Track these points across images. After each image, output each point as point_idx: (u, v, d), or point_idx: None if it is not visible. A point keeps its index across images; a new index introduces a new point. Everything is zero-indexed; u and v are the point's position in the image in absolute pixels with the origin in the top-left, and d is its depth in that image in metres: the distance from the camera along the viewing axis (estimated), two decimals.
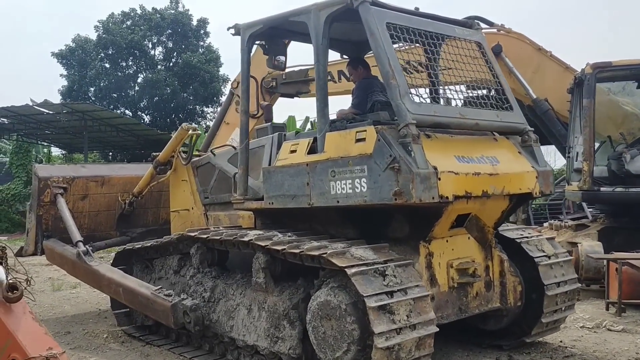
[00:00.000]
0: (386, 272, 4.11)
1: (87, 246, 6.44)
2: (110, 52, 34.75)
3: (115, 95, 35.41)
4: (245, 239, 4.88)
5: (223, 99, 39.35)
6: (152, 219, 8.09)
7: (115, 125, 22.60)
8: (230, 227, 5.77)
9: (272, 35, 5.80)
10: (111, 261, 6.77)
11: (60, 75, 35.72)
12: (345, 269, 3.99)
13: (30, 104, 20.03)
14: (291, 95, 10.27)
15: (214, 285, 5.40)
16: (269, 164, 5.75)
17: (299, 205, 4.93)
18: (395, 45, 7.20)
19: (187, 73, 34.55)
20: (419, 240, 4.61)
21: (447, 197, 4.24)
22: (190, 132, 6.78)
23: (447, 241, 4.80)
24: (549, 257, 5.30)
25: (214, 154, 6.68)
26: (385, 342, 3.84)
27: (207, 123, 36.71)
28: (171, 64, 36.56)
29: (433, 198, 4.15)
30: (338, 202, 4.59)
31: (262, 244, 4.70)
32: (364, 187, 4.39)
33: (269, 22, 5.51)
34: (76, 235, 6.51)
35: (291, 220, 5.42)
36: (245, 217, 6.13)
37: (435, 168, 4.21)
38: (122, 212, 7.66)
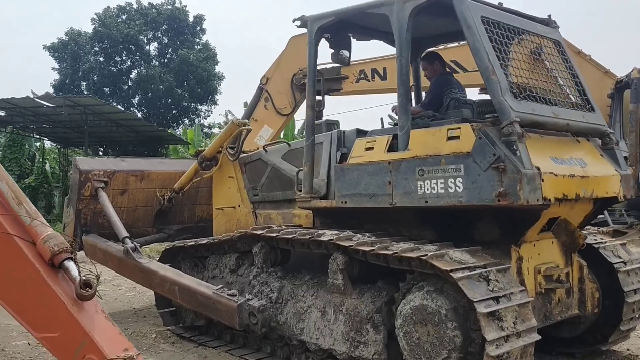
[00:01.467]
0: (489, 277, 3.94)
1: (135, 243, 6.17)
2: (105, 46, 34.20)
3: (108, 90, 34.87)
4: (324, 238, 4.67)
5: (219, 97, 39.34)
6: (188, 216, 7.84)
7: (115, 121, 22.15)
8: (292, 226, 5.56)
9: (339, 29, 5.62)
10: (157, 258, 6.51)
11: (53, 68, 35.11)
12: (451, 273, 3.81)
13: (31, 96, 19.53)
14: (319, 93, 10.07)
15: (280, 286, 5.18)
16: (329, 162, 5.60)
17: (377, 205, 4.74)
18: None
19: (183, 70, 34.13)
20: (510, 244, 4.45)
21: (549, 200, 4.09)
22: (240, 127, 6.54)
23: (534, 245, 4.64)
24: (626, 264, 5.17)
25: (266, 150, 6.46)
26: (496, 350, 3.66)
27: (202, 121, 36.38)
28: (166, 60, 36.13)
29: (537, 200, 3.99)
30: (426, 202, 4.41)
31: (345, 244, 4.51)
32: (459, 187, 4.22)
33: (341, 14, 5.33)
34: (122, 231, 6.23)
35: (359, 220, 5.23)
36: (302, 216, 5.94)
37: (538, 169, 4.05)
38: (160, 208, 7.39)
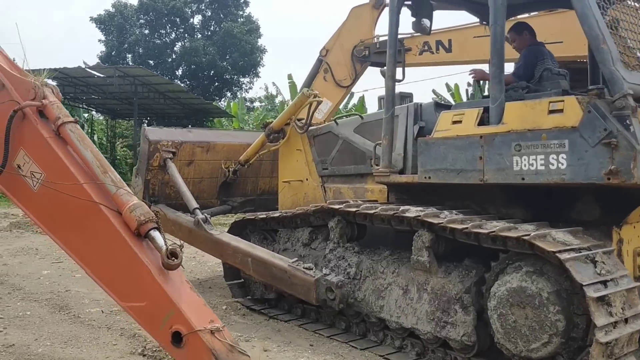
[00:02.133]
0: (596, 259, 3.72)
1: (205, 214, 6.12)
2: (150, 18, 34.34)
3: (152, 62, 35.08)
4: (409, 214, 4.51)
5: (261, 69, 39.16)
6: (251, 189, 7.77)
7: (163, 92, 22.28)
8: (369, 201, 5.41)
9: None
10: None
11: (99, 40, 35.46)
12: (557, 254, 3.60)
13: (83, 66, 19.75)
14: (383, 65, 9.81)
15: (358, 261, 5.05)
16: (405, 135, 5.41)
17: (466, 181, 4.54)
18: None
19: (226, 42, 34.05)
20: (612, 225, 4.20)
21: None
22: (311, 98, 6.37)
23: (634, 227, 4.38)
24: None
25: (337, 123, 6.30)
26: (605, 337, 3.46)
27: (244, 94, 36.37)
28: (209, 33, 36.08)
29: (635, 180, 3.72)
30: (523, 179, 4.19)
31: (434, 221, 4.33)
32: (561, 164, 3.98)
33: None
34: (193, 202, 6.19)
35: (440, 196, 5.04)
36: (376, 191, 5.79)
37: None
38: (225, 180, 7.33)
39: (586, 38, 4.07)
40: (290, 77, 23.54)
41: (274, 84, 26.75)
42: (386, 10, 9.92)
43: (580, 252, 3.71)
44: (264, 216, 5.99)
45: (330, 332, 5.24)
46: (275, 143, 6.83)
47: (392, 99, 5.30)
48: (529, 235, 3.77)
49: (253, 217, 6.14)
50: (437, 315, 4.41)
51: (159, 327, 3.12)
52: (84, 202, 3.27)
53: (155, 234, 3.32)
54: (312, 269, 5.08)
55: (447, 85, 23.50)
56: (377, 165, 5.37)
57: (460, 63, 9.57)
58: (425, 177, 4.84)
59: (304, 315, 5.70)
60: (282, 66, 72.56)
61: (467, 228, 4.10)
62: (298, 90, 24.05)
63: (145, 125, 28.33)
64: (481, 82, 5.88)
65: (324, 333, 5.23)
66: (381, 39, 9.57)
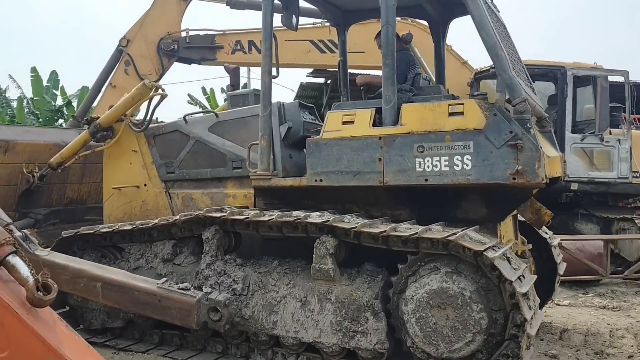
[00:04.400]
0: (508, 256, 3.91)
1: (22, 231, 4.87)
2: None
3: None
4: (315, 220, 4.19)
5: None
6: (56, 198, 6.52)
7: None
8: (240, 207, 4.93)
9: None
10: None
11: None
12: (485, 253, 3.67)
13: None
14: (191, 61, 9.19)
15: (244, 275, 4.53)
16: (272, 136, 5.11)
17: (364, 183, 4.41)
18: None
19: None
20: (496, 223, 4.48)
21: (546, 179, 4.19)
22: (153, 91, 5.56)
23: (505, 223, 4.76)
24: (551, 238, 5.62)
25: (186, 121, 5.61)
26: (531, 329, 3.66)
27: None
28: None
29: (542, 179, 4.05)
30: (426, 180, 4.22)
31: (345, 226, 4.09)
32: (466, 165, 4.10)
33: None
34: (4, 217, 4.87)
35: (315, 200, 4.84)
36: (240, 196, 5.34)
37: (541, 148, 4.11)
38: (28, 187, 5.99)
39: (484, 45, 4.27)
40: (34, 70, 20.75)
41: (10, 76, 22.98)
42: (193, 3, 9.37)
43: (498, 249, 3.86)
44: (107, 230, 5.01)
45: (206, 358, 4.61)
46: (101, 143, 5.81)
47: (269, 96, 4.90)
48: (454, 235, 3.79)
49: (90, 231, 5.09)
50: (344, 325, 4.18)
51: None
52: None
53: (15, 261, 2.52)
54: (189, 289, 4.39)
55: (203, 89, 23.31)
56: (251, 168, 4.91)
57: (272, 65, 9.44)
58: (315, 180, 4.57)
59: (163, 343, 4.93)
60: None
61: (384, 232, 3.96)
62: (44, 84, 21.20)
63: None
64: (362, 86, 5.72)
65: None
66: (191, 33, 9.00)
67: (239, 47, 9.02)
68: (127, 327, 5.09)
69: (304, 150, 5.47)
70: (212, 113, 5.62)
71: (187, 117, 5.63)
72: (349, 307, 4.18)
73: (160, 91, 5.59)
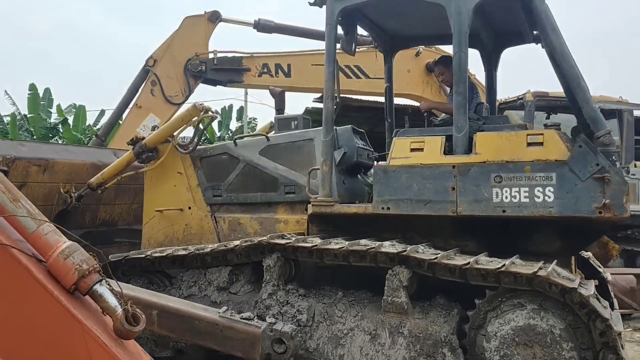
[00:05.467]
0: (596, 293, 3.77)
1: None
2: None
3: None
4: (390, 250, 4.04)
5: None
6: (90, 219, 6.30)
7: None
8: (298, 235, 4.76)
9: (351, 15, 5.02)
10: None
11: None
12: (579, 290, 3.54)
13: None
14: (218, 83, 9.07)
15: (309, 306, 4.34)
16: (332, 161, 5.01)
17: (436, 212, 4.28)
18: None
19: None
20: (570, 256, 4.36)
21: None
22: (202, 114, 5.40)
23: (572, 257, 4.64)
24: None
25: (236, 144, 5.46)
26: None
27: None
28: None
29: (629, 214, 3.95)
30: (504, 211, 4.10)
31: (421, 257, 3.94)
32: (548, 197, 3.99)
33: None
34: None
35: (373, 228, 4.71)
36: (291, 222, 5.16)
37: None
38: (65, 208, 5.77)
39: (564, 77, 4.20)
40: (33, 87, 20.51)
41: (6, 92, 22.62)
42: (220, 25, 9.29)
43: (587, 287, 3.73)
44: (159, 254, 4.80)
45: None
46: (145, 163, 5.63)
47: (331, 121, 4.78)
48: (542, 270, 3.65)
49: (140, 255, 4.88)
50: None
51: None
52: None
53: (102, 290, 2.30)
54: (252, 319, 4.19)
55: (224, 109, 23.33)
56: (311, 194, 4.77)
57: (299, 90, 9.38)
58: (382, 208, 4.43)
59: None
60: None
61: (467, 264, 3.81)
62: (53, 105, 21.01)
63: None
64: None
65: None
66: (219, 55, 8.90)
67: (265, 69, 8.92)
68: (175, 358, 4.85)
69: (358, 176, 5.38)
70: (262, 136, 5.47)
71: (236, 140, 5.48)
72: (424, 342, 4.00)
73: (210, 113, 5.43)
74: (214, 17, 8.87)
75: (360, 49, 8.21)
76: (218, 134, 23.14)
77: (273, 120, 6.82)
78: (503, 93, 10.22)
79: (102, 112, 21.21)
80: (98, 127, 19.79)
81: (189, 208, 5.58)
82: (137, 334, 2.27)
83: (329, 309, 4.33)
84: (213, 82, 9.09)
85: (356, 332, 4.22)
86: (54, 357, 2.06)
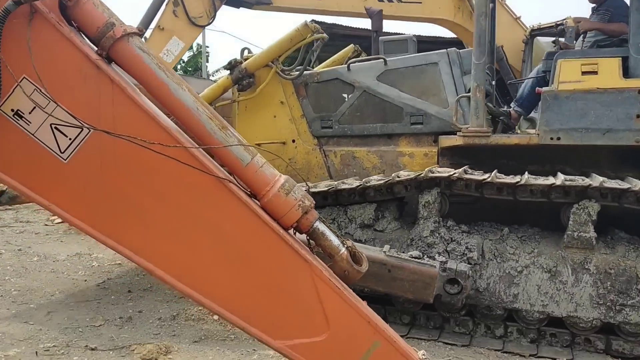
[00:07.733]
0: None
1: None
2: None
3: None
4: (578, 183, 3.74)
5: None
6: None
7: None
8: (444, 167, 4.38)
9: None
10: None
11: None
12: None
13: None
14: (242, 5, 8.20)
15: (477, 243, 4.02)
16: (455, 87, 4.63)
17: (616, 142, 4.01)
18: None
19: None
20: None
21: None
22: (310, 35, 4.77)
23: None
24: None
25: (349, 68, 4.92)
26: None
27: None
28: None
29: None
30: None
31: (624, 187, 3.67)
32: None
33: None
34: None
35: (519, 161, 4.44)
36: (418, 155, 4.77)
37: None
38: None
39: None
40: None
41: None
42: None
43: None
44: (325, 189, 4.20)
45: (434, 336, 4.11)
46: (243, 91, 4.99)
47: (485, 42, 4.33)
48: None
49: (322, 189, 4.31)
50: (609, 299, 3.80)
51: None
52: (196, 179, 1.65)
53: (323, 228, 1.92)
54: (421, 257, 3.84)
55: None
56: (459, 123, 4.37)
57: (329, 13, 8.56)
58: (552, 138, 4.11)
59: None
60: None
61: None
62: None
63: None
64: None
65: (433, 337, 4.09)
66: None
67: None
68: None
69: (489, 104, 4.99)
70: (380, 59, 4.92)
71: (350, 64, 4.92)
72: (615, 279, 3.80)
73: (321, 34, 4.82)
74: None
75: None
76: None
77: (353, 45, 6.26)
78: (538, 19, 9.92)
79: None
80: None
81: (293, 141, 5.04)
82: (360, 275, 1.90)
83: (498, 246, 4.02)
84: (237, 4, 8.22)
85: (532, 269, 3.95)
86: (283, 302, 1.79)
